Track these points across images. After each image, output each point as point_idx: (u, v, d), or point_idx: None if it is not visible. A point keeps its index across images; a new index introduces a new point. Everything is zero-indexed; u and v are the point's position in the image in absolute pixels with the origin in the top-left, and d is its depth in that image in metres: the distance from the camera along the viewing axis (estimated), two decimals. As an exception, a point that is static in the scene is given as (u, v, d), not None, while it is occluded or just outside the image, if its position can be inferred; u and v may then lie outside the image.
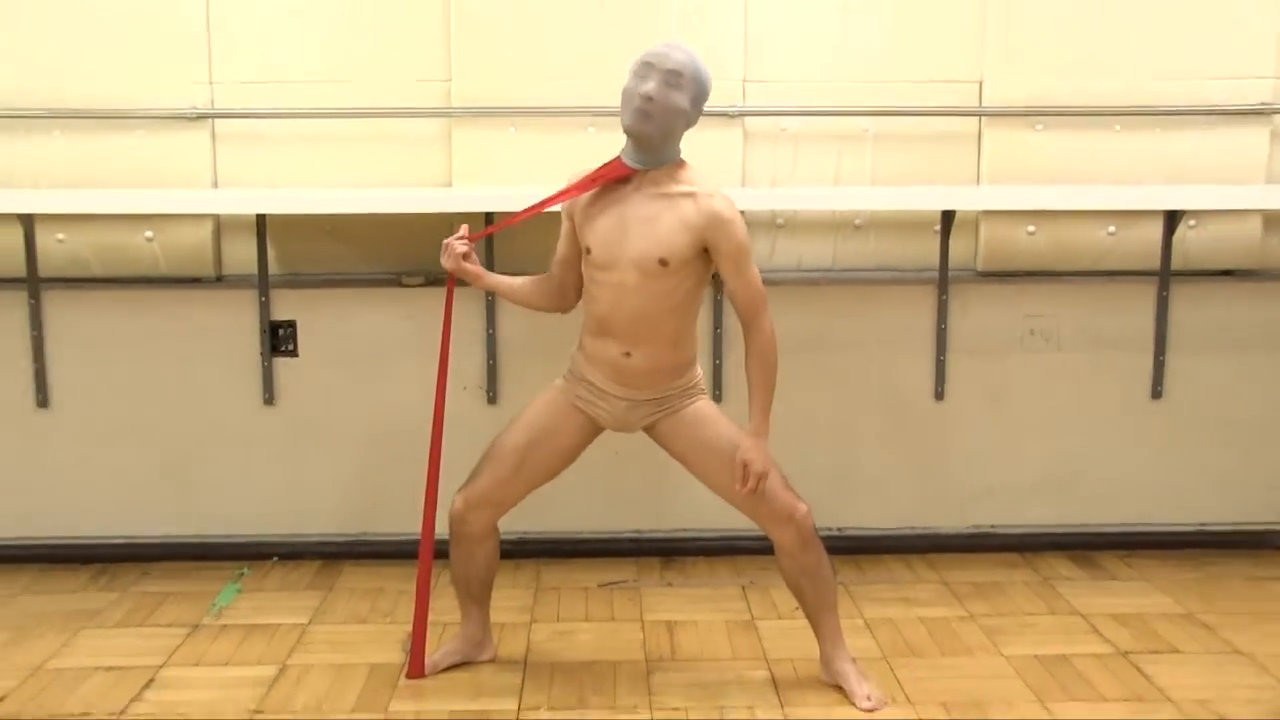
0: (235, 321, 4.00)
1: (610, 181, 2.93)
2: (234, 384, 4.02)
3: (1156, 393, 4.14)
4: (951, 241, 4.01)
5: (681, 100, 2.84)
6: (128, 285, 3.99)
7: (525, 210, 3.11)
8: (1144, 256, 4.10)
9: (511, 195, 3.81)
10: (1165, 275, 4.07)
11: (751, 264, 2.90)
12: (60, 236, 3.98)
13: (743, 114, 4.01)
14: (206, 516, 4.07)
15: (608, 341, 2.97)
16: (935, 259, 4.04)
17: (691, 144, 3.95)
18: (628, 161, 2.91)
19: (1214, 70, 4.05)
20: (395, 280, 4.03)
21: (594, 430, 3.10)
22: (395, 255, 4.06)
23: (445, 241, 3.08)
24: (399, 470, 4.02)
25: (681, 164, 2.93)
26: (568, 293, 3.13)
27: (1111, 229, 4.09)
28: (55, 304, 3.97)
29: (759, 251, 3.83)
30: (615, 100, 3.88)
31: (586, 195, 2.98)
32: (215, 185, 4.03)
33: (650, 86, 2.82)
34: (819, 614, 3.11)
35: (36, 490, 4.04)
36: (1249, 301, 4.12)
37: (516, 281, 3.18)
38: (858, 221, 4.11)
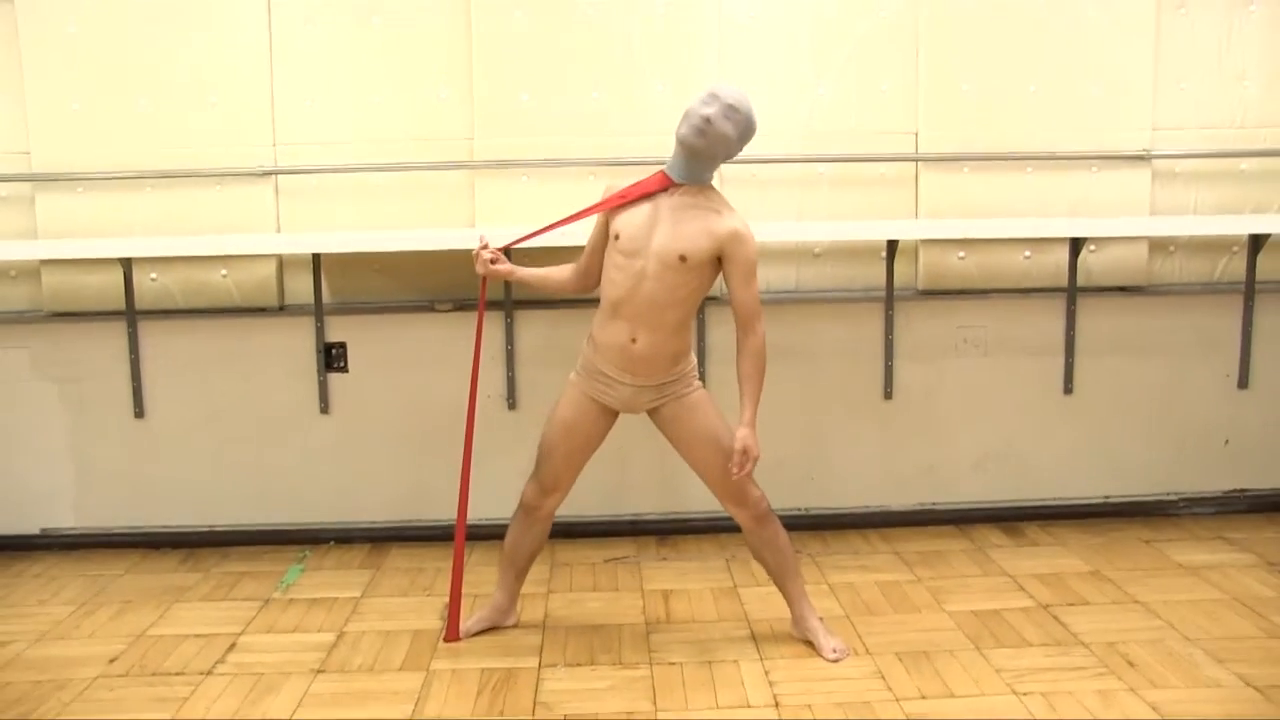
0: (296, 343, 4.00)
1: (649, 192, 2.92)
2: (295, 395, 4.02)
3: (1068, 389, 4.15)
4: (895, 266, 4.01)
5: (730, 131, 2.82)
6: (207, 315, 3.99)
7: (562, 220, 3.09)
8: (1055, 276, 4.11)
9: (525, 233, 3.83)
10: (1072, 291, 4.08)
11: (755, 279, 2.88)
12: (153, 276, 3.99)
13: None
14: (274, 507, 4.06)
15: (618, 325, 2.93)
16: (882, 281, 4.05)
17: (676, 189, 4.00)
18: (670, 174, 2.89)
19: (1105, 123, 4.07)
20: (429, 306, 4.02)
21: (611, 414, 3.07)
22: (429, 285, 4.06)
23: (474, 251, 3.09)
24: (434, 466, 4.03)
25: (711, 187, 2.93)
26: (591, 274, 3.07)
27: (1028, 254, 4.11)
28: (149, 332, 3.97)
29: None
30: (611, 154, 3.97)
31: (623, 186, 2.96)
32: (279, 230, 4.03)
33: (711, 111, 2.80)
34: (783, 580, 3.10)
35: (136, 487, 4.04)
36: (1140, 312, 4.14)
37: (542, 271, 3.15)
38: (817, 250, 4.11)
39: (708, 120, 2.80)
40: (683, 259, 2.85)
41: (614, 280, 2.93)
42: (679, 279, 2.88)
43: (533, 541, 3.18)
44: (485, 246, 3.10)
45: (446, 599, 3.38)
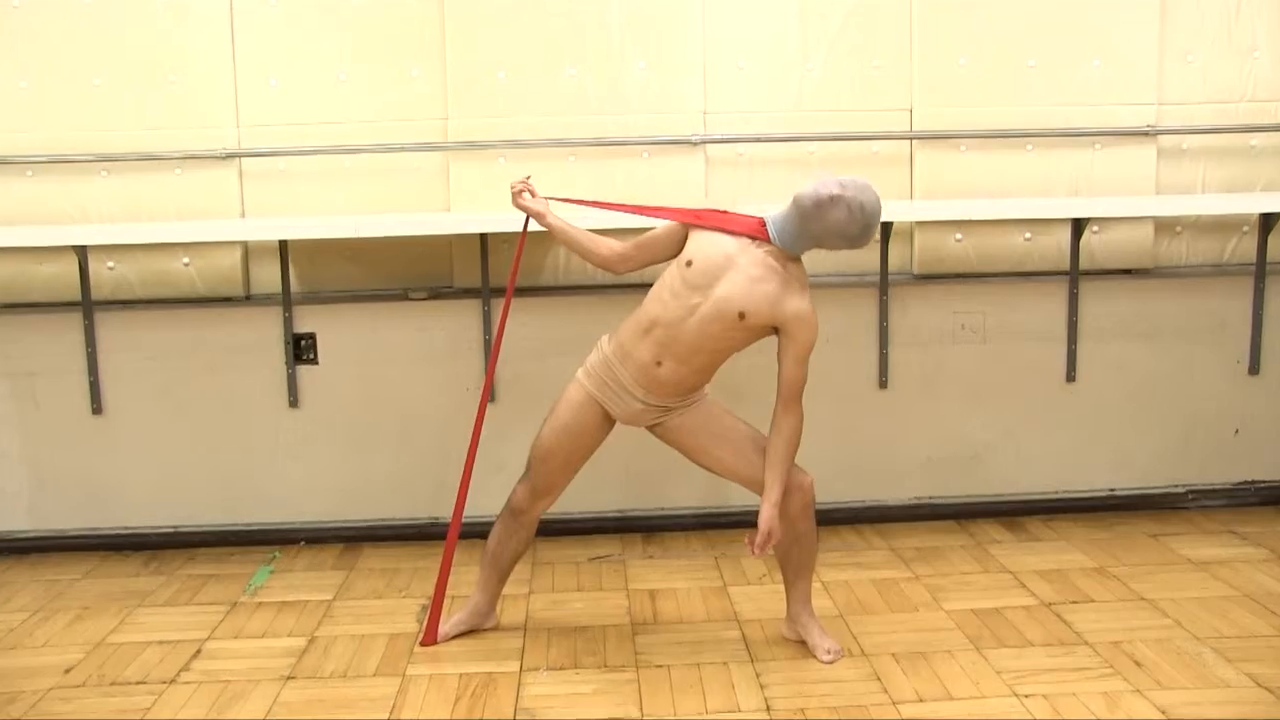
0: (263, 335, 3.98)
1: (737, 232, 2.90)
2: (263, 390, 4.00)
3: (1070, 377, 4.15)
4: (890, 249, 4.01)
5: (844, 222, 2.81)
6: (169, 305, 3.97)
7: (632, 206, 3.11)
8: (1056, 259, 4.11)
9: (503, 219, 3.81)
10: (1075, 275, 4.08)
11: (808, 362, 2.89)
12: (110, 264, 3.96)
13: (704, 141, 4.01)
14: (241, 507, 4.04)
15: (649, 344, 2.92)
16: (877, 265, 4.04)
17: (659, 169, 4.01)
18: (770, 230, 2.88)
19: (1109, 98, 4.06)
20: (402, 295, 4.01)
21: (610, 423, 3.07)
22: (402, 273, 4.05)
23: (512, 183, 3.11)
24: (409, 462, 4.02)
25: (798, 261, 2.91)
26: (630, 263, 3.07)
27: (1028, 235, 4.11)
28: (106, 324, 3.94)
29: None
30: (591, 134, 3.95)
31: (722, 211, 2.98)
32: (243, 215, 4.00)
33: (844, 193, 2.79)
34: (799, 576, 3.09)
35: (95, 487, 4.01)
36: (1146, 296, 4.14)
37: (577, 229, 3.11)
38: (807, 234, 4.11)
39: (834, 199, 2.79)
40: (741, 316, 2.85)
41: (663, 301, 2.92)
42: (726, 332, 2.88)
43: (518, 545, 3.19)
44: (528, 178, 3.11)
45: (424, 601, 3.38)
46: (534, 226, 3.18)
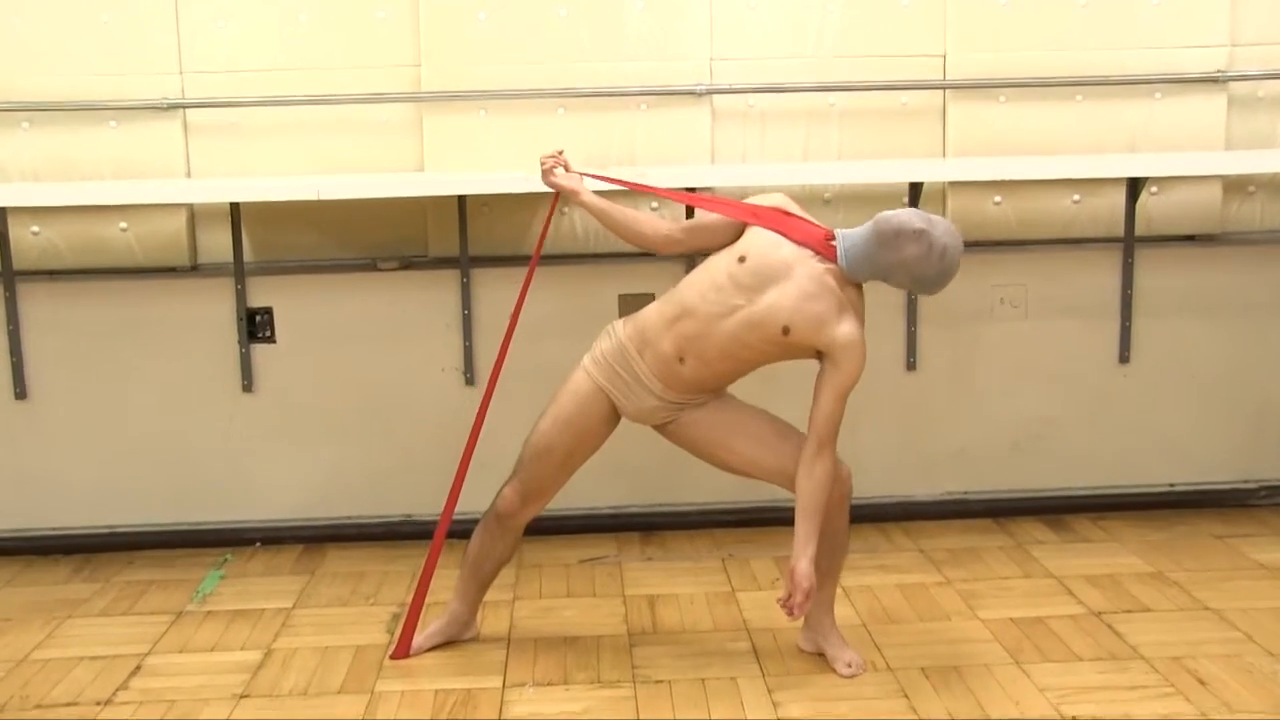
0: (212, 310, 3.97)
1: (800, 241, 2.91)
2: (212, 372, 3.99)
3: (1124, 357, 4.14)
4: (919, 214, 4.01)
5: (922, 264, 2.84)
6: (104, 276, 3.96)
7: (690, 196, 3.19)
8: (1108, 224, 4.10)
9: (483, 179, 3.80)
10: (1129, 242, 4.07)
11: (847, 398, 2.89)
12: (34, 229, 3.95)
13: (710, 92, 4.00)
14: (188, 505, 4.04)
15: (673, 336, 2.93)
16: (904, 231, 4.03)
17: (660, 123, 3.99)
18: (839, 247, 2.89)
19: (1171, 39, 4.05)
20: (371, 265, 4.01)
21: (616, 420, 3.08)
22: (370, 241, 4.05)
23: (542, 157, 3.13)
24: (378, 454, 4.03)
25: (859, 289, 2.93)
26: (674, 244, 3.09)
27: (1076, 198, 4.09)
28: (31, 297, 3.93)
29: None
30: (583, 83, 3.93)
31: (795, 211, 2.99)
32: (189, 175, 3.99)
33: (929, 234, 2.82)
34: (825, 578, 3.06)
35: (17, 483, 4.00)
36: (1211, 266, 4.13)
37: (619, 208, 3.12)
38: (827, 196, 4.09)
39: (918, 233, 2.82)
40: (785, 331, 2.87)
41: (701, 291, 2.93)
42: (764, 344, 2.90)
43: (503, 553, 3.20)
44: (560, 152, 3.14)
45: (396, 609, 3.38)
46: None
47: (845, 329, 2.86)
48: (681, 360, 2.94)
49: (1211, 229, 4.14)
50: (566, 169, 3.13)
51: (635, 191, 3.47)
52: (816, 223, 2.96)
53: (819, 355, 2.90)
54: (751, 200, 3.04)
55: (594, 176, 3.20)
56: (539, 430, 3.08)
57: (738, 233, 2.99)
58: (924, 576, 3.67)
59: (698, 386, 2.99)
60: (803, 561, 2.87)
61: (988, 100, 4.07)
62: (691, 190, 3.82)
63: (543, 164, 3.12)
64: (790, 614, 2.89)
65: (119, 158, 3.94)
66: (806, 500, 2.90)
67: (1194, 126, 4.08)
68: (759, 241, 2.93)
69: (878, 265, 2.88)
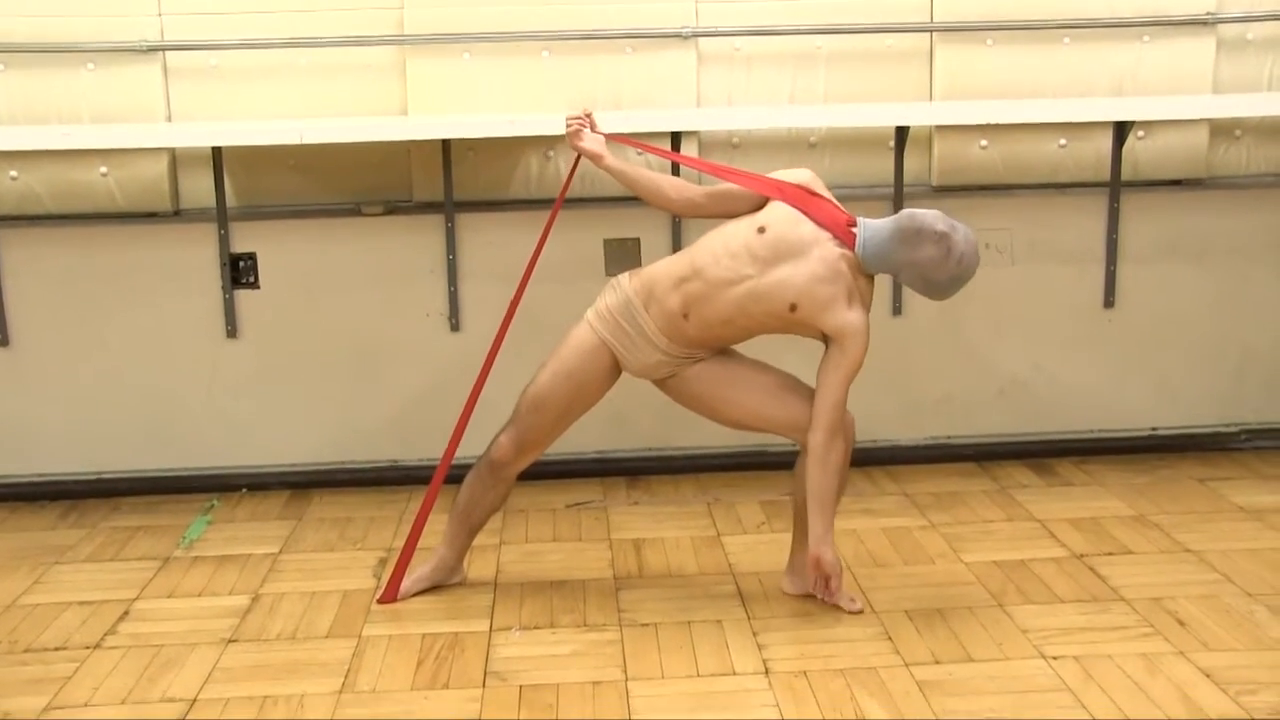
0: (195, 255, 3.94)
1: (820, 222, 2.92)
2: (196, 317, 3.97)
3: (1109, 302, 4.15)
4: (906, 157, 3.99)
5: (937, 267, 2.88)
6: (85, 221, 3.93)
7: (713, 166, 3.19)
8: (1095, 168, 4.09)
9: (468, 123, 3.77)
10: (1115, 186, 4.06)
11: (850, 382, 2.93)
12: (13, 174, 3.91)
13: (696, 35, 3.95)
14: (173, 450, 4.04)
15: (682, 293, 2.94)
16: (890, 175, 4.01)
17: (647, 65, 3.96)
18: (860, 234, 2.91)
19: (1160, -20, 4.03)
20: (355, 210, 3.98)
21: (617, 373, 3.08)
22: (354, 185, 4.01)
23: (567, 118, 3.12)
24: (364, 399, 4.02)
25: (871, 279, 2.97)
26: (696, 209, 3.09)
27: (1062, 142, 4.08)
28: (10, 242, 3.90)
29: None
30: (572, 25, 3.89)
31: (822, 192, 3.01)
32: (170, 119, 3.95)
33: (950, 238, 2.86)
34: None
35: (2, 429, 3.99)
36: (1197, 210, 4.13)
37: (642, 171, 3.15)
38: (813, 140, 4.07)
39: (939, 235, 2.86)
40: (792, 309, 2.89)
41: (715, 255, 2.95)
42: (768, 317, 2.93)
43: (494, 501, 3.21)
44: (588, 115, 3.13)
45: (382, 554, 3.38)
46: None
47: (853, 316, 2.89)
48: (686, 317, 2.95)
49: (1197, 173, 4.13)
50: (593, 129, 3.12)
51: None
52: (841, 206, 2.97)
53: (823, 338, 2.93)
54: (777, 175, 3.04)
55: (621, 140, 3.19)
56: (538, 382, 3.08)
57: (760, 202, 3.00)
58: (908, 520, 3.69)
59: (699, 343, 3.00)
60: (826, 551, 2.94)
61: (975, 43, 4.04)
62: (677, 135, 3.82)
63: (568, 125, 3.11)
64: (831, 598, 3.00)
65: (98, 101, 3.89)
66: (823, 491, 2.94)
67: (1182, 70, 4.05)
68: (780, 215, 2.94)
69: (893, 260, 2.91)
